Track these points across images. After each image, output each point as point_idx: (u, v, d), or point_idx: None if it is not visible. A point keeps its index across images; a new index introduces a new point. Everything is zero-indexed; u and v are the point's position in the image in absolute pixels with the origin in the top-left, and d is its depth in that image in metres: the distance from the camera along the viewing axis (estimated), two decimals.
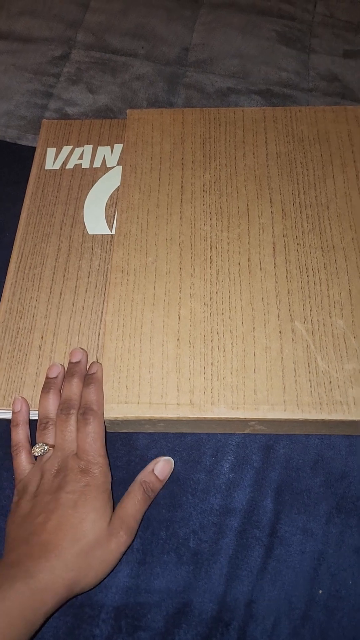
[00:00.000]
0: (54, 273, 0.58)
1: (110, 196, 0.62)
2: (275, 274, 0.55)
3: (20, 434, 0.51)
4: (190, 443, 0.53)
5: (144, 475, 0.49)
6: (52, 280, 0.57)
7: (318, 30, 0.83)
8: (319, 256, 0.56)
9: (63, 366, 0.53)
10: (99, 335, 0.54)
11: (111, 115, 0.75)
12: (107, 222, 0.60)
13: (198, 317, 0.53)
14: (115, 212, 0.61)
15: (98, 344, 0.54)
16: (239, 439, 0.53)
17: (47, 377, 0.52)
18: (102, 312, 0.55)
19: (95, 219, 0.61)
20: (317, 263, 0.55)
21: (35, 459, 0.50)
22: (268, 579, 0.48)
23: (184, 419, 0.49)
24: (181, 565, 0.48)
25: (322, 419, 0.49)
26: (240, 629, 0.46)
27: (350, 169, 0.61)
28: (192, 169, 0.62)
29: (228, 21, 0.83)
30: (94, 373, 0.51)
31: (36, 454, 0.49)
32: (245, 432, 0.53)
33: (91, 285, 0.57)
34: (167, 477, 0.50)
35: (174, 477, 0.51)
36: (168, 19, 0.85)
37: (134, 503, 0.47)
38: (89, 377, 0.51)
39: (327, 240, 0.56)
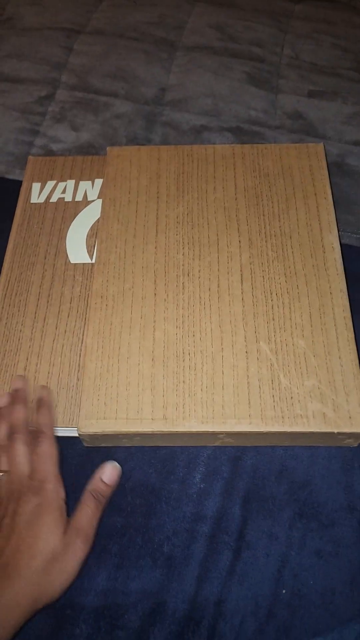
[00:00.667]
0: (38, 299, 0.62)
1: (91, 227, 0.66)
2: (243, 299, 0.59)
3: None
4: (164, 456, 0.57)
5: (92, 485, 0.51)
6: (37, 305, 0.61)
7: (285, 72, 0.88)
8: (283, 282, 0.60)
9: (8, 393, 0.56)
10: (80, 356, 0.58)
11: (93, 151, 0.79)
12: (87, 251, 0.65)
13: (171, 339, 0.57)
14: (95, 242, 0.65)
15: (79, 364, 0.57)
16: (209, 451, 0.57)
17: None
18: (83, 335, 0.59)
19: (77, 248, 0.65)
20: (281, 288, 0.60)
21: None
22: (236, 580, 0.51)
23: (158, 432, 0.53)
24: (156, 569, 0.51)
25: (284, 431, 0.53)
26: (210, 626, 0.49)
27: (311, 201, 0.65)
28: (166, 202, 0.66)
29: (202, 63, 0.89)
30: (42, 397, 0.55)
31: None
32: (215, 445, 0.56)
33: (73, 310, 0.61)
34: (116, 481, 0.53)
35: (149, 488, 0.55)
36: (146, 61, 0.90)
37: (86, 512, 0.49)
38: (39, 401, 0.55)
39: (290, 267, 0.61)
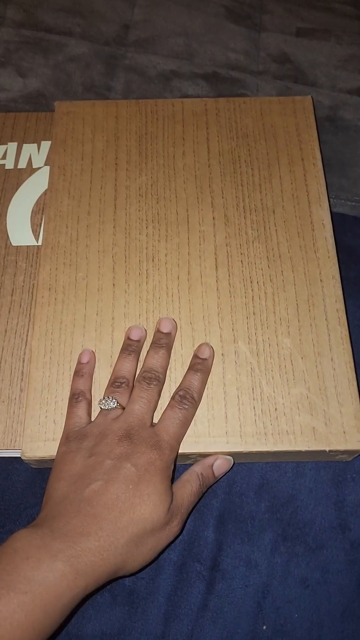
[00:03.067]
0: None
1: (37, 202, 0.59)
2: (217, 289, 0.52)
3: (82, 384, 0.48)
4: None
5: (202, 468, 0.47)
6: None
7: (269, 6, 0.79)
8: (265, 267, 0.53)
9: (146, 330, 0.51)
10: (24, 361, 0.51)
11: (43, 101, 0.70)
12: (32, 231, 0.57)
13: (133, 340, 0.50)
14: (42, 220, 0.57)
15: (23, 372, 0.51)
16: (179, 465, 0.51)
17: (128, 338, 0.50)
18: (27, 336, 0.52)
19: (19, 228, 0.57)
20: (263, 275, 0.53)
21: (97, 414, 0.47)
22: (209, 617, 0.47)
23: None
24: (116, 606, 0.47)
25: (267, 451, 0.47)
26: None
27: (297, 167, 0.58)
28: (126, 170, 0.58)
29: None
30: (205, 359, 0.49)
31: (102, 406, 0.46)
32: (186, 463, 0.50)
33: (15, 304, 0.54)
34: (223, 475, 0.48)
35: None
36: None
37: (190, 493, 0.45)
38: (200, 364, 0.49)
39: (273, 249, 0.54)
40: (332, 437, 0.47)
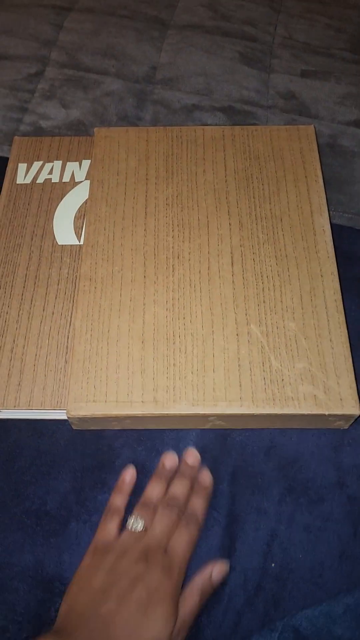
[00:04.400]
0: (25, 281, 0.61)
1: (79, 209, 0.66)
2: (233, 281, 0.59)
3: (119, 501, 0.52)
4: (153, 434, 0.57)
5: (202, 583, 0.49)
6: (24, 287, 0.61)
7: (278, 51, 0.88)
8: (273, 264, 0.60)
9: (178, 458, 0.56)
10: (68, 338, 0.58)
11: (83, 128, 0.79)
12: (75, 233, 0.64)
13: (161, 322, 0.57)
14: (83, 223, 0.65)
15: (67, 347, 0.58)
16: (198, 429, 0.57)
17: (163, 464, 0.55)
18: (71, 318, 0.59)
19: (64, 230, 0.65)
20: (272, 271, 0.60)
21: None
22: (225, 555, 0.52)
23: (148, 415, 0.53)
24: None
25: (275, 413, 0.53)
26: None
27: (302, 184, 0.65)
28: (155, 184, 0.66)
29: (194, 42, 0.88)
30: (206, 483, 0.54)
31: (129, 526, 0.50)
32: (205, 428, 0.57)
33: (60, 292, 0.61)
34: (221, 580, 0.51)
35: (138, 465, 0.55)
36: (137, 39, 0.89)
37: (192, 609, 0.47)
38: (203, 489, 0.54)
39: (280, 250, 0.61)
40: (330, 403, 0.53)
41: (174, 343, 0.56)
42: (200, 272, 0.60)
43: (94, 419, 0.54)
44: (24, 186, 0.68)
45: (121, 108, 0.81)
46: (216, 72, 0.85)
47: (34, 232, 0.65)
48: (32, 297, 0.60)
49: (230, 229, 0.63)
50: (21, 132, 0.78)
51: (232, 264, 0.60)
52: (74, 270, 0.62)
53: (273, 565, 0.51)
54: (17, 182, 0.68)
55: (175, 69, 0.85)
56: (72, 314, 0.59)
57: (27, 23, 0.92)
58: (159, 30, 0.90)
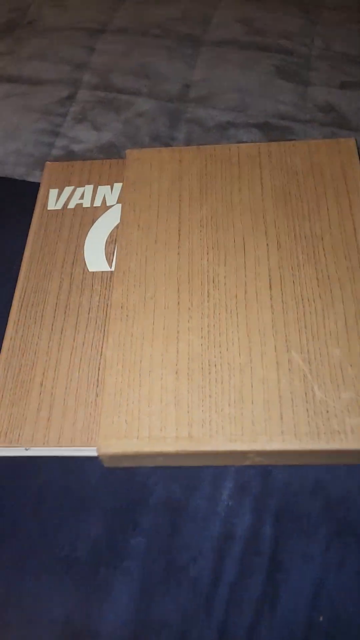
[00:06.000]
0: (55, 310, 0.59)
1: (110, 234, 0.63)
2: (272, 306, 0.55)
3: None
4: (189, 470, 0.53)
5: None
6: (54, 317, 0.58)
7: (316, 64, 0.84)
8: (315, 286, 0.56)
9: None
10: (99, 370, 0.55)
11: (115, 151, 0.76)
12: (107, 259, 0.61)
13: (196, 350, 0.53)
14: (114, 249, 0.62)
15: (98, 379, 0.54)
16: (237, 465, 0.53)
17: None
18: (102, 348, 0.56)
19: (95, 256, 0.62)
20: (313, 293, 0.55)
21: None
22: (268, 606, 0.47)
23: (182, 452, 0.49)
24: (181, 593, 0.48)
25: (320, 449, 0.48)
26: None
27: (343, 200, 0.61)
28: (189, 204, 0.63)
29: (228, 58, 0.85)
30: None
31: None
32: (244, 465, 0.53)
33: (91, 321, 0.58)
34: None
35: (173, 505, 0.52)
36: (170, 57, 0.86)
37: None
38: None
39: (322, 271, 0.57)
40: None
41: (209, 373, 0.52)
42: (236, 296, 0.56)
43: (125, 457, 0.50)
44: (55, 212, 0.66)
45: (154, 128, 0.78)
46: (251, 88, 0.81)
47: (64, 259, 0.62)
48: (63, 327, 0.57)
49: (268, 250, 0.58)
50: (53, 156, 0.76)
51: (271, 287, 0.56)
52: (105, 298, 0.59)
53: (321, 619, 0.47)
54: (48, 208, 0.66)
55: (209, 86, 0.82)
56: (103, 343, 0.56)
57: (60, 47, 0.90)
58: (192, 48, 0.87)
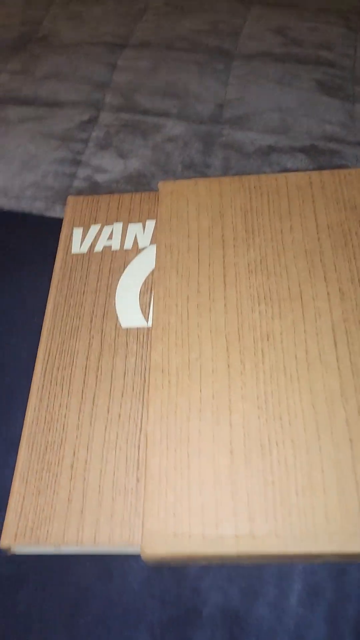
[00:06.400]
0: (85, 374, 0.51)
1: (145, 281, 0.56)
2: (339, 368, 0.47)
3: None
4: (249, 569, 0.45)
5: None
6: (84, 382, 0.51)
7: None
8: None
9: None
10: (139, 448, 0.47)
11: (144, 181, 0.68)
12: (142, 312, 0.54)
13: (253, 424, 0.46)
14: (150, 300, 0.54)
15: (138, 460, 0.46)
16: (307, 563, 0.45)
17: None
18: (141, 421, 0.48)
19: (128, 308, 0.54)
20: None
21: None
22: None
23: (244, 555, 0.41)
24: None
25: None
26: None
27: None
28: (234, 246, 0.55)
29: (264, 72, 0.77)
30: None
31: None
32: (315, 562, 0.45)
33: (127, 387, 0.50)
34: None
35: (232, 614, 0.44)
36: (200, 74, 0.79)
37: None
38: None
39: None
40: None
41: (270, 453, 0.44)
42: (296, 357, 0.48)
43: (174, 558, 0.42)
44: (80, 256, 0.58)
45: (186, 154, 0.70)
46: (292, 106, 0.73)
47: (93, 312, 0.54)
48: (95, 395, 0.50)
49: (329, 300, 0.51)
50: (75, 188, 0.69)
51: (336, 344, 0.48)
52: (142, 359, 0.51)
53: None
54: (72, 252, 0.59)
55: (245, 105, 0.74)
56: (142, 416, 0.48)
57: (78, 64, 0.83)
58: (224, 62, 0.80)
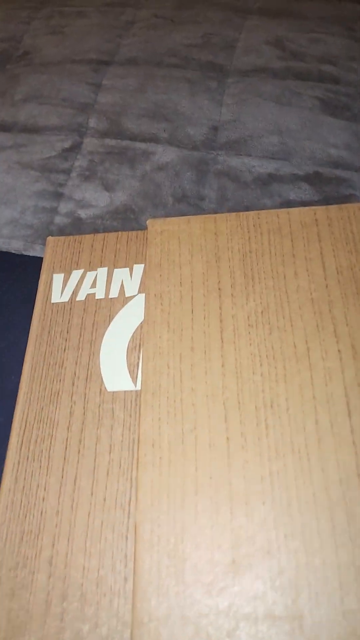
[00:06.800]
0: (65, 448, 0.45)
1: (132, 337, 0.50)
2: (354, 442, 0.41)
3: None
4: None
5: None
6: (64, 458, 0.45)
7: None
8: None
9: None
10: (127, 540, 0.41)
11: (131, 216, 0.63)
12: (130, 373, 0.48)
13: (257, 514, 0.40)
14: (139, 358, 0.48)
15: (126, 554, 0.41)
16: None
17: None
18: (130, 505, 0.42)
19: (115, 369, 0.48)
20: None
21: None
22: None
23: None
24: None
25: None
26: None
27: None
28: (232, 295, 0.49)
29: (261, 90, 0.71)
30: None
31: None
32: None
33: (114, 464, 0.44)
34: None
35: None
36: (191, 93, 0.73)
37: None
38: None
39: None
40: None
41: (278, 551, 0.38)
42: (305, 428, 0.42)
43: None
44: (61, 306, 0.52)
45: (178, 185, 0.65)
46: (293, 128, 0.67)
47: (75, 373, 0.48)
48: (76, 474, 0.44)
49: (340, 359, 0.45)
50: (56, 226, 0.63)
51: (350, 413, 0.42)
52: (130, 431, 0.45)
53: None
54: (52, 301, 0.53)
55: (242, 128, 0.68)
56: (130, 499, 0.42)
57: (61, 85, 0.77)
58: (217, 80, 0.74)
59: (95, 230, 0.60)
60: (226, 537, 0.39)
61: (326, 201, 0.60)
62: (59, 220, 0.64)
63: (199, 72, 0.76)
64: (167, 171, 0.66)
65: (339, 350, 0.45)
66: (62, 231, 0.62)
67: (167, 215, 0.61)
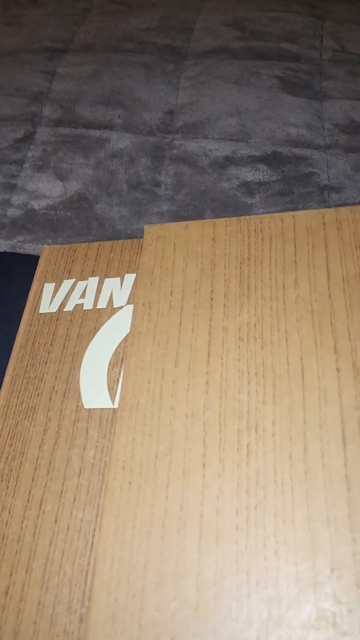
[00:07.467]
0: (35, 469, 0.37)
1: (116, 351, 0.40)
2: (346, 477, 0.32)
3: None
4: None
5: None
6: (33, 480, 0.36)
7: (329, 70, 0.59)
8: None
9: None
10: (87, 574, 0.32)
11: (86, 205, 0.52)
12: (109, 389, 0.39)
13: (229, 555, 0.31)
14: (120, 374, 0.38)
15: (84, 592, 0.31)
16: None
17: None
18: (93, 537, 0.33)
19: (94, 384, 0.39)
20: None
21: None
22: None
23: None
24: None
25: None
26: None
27: None
28: (224, 305, 0.39)
29: (219, 72, 0.60)
30: None
31: None
32: None
33: (81, 489, 0.35)
34: None
35: None
36: (147, 77, 0.61)
37: None
38: None
39: None
40: None
41: (248, 599, 0.29)
42: (291, 457, 0.33)
43: None
44: (48, 317, 0.43)
45: (133, 172, 0.54)
46: (252, 108, 0.57)
47: (54, 387, 0.40)
48: (43, 497, 0.35)
49: (338, 379, 0.35)
50: (8, 218, 0.52)
51: (344, 442, 0.33)
52: (102, 453, 0.36)
53: None
54: (40, 311, 0.43)
55: (199, 111, 0.57)
56: (95, 529, 0.33)
57: (14, 74, 0.64)
58: (174, 62, 0.62)
59: (49, 221, 0.48)
60: (190, 580, 0.30)
61: (285, 181, 0.49)
62: (11, 212, 0.52)
63: (156, 56, 0.63)
64: (122, 158, 0.55)
65: (337, 369, 0.36)
66: (15, 223, 0.51)
67: (122, 203, 0.50)
